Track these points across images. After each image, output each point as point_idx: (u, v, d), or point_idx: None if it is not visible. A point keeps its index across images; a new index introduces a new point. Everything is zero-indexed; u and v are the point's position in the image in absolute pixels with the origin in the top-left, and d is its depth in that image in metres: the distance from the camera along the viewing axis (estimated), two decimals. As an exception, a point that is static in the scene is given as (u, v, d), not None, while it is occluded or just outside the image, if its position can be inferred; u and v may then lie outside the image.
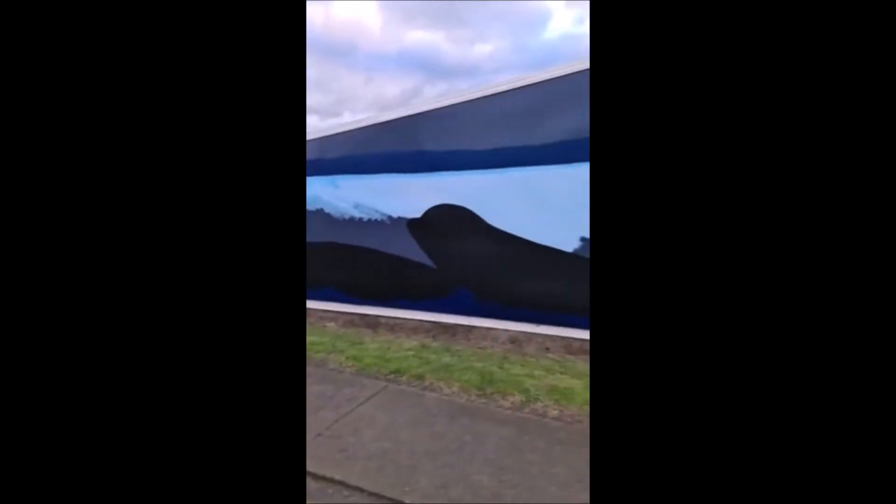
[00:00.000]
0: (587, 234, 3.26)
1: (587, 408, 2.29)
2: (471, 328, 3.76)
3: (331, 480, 1.70)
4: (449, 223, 3.88)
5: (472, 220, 3.77)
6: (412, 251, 4.07)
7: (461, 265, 3.84)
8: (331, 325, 4.39)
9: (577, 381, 2.68)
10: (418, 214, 4.03)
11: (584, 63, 3.25)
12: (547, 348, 3.36)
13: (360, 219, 4.41)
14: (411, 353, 3.35)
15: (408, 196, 4.08)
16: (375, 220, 4.32)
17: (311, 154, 4.77)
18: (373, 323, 4.28)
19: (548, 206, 3.40)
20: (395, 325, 4.12)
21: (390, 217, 4.21)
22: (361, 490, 1.64)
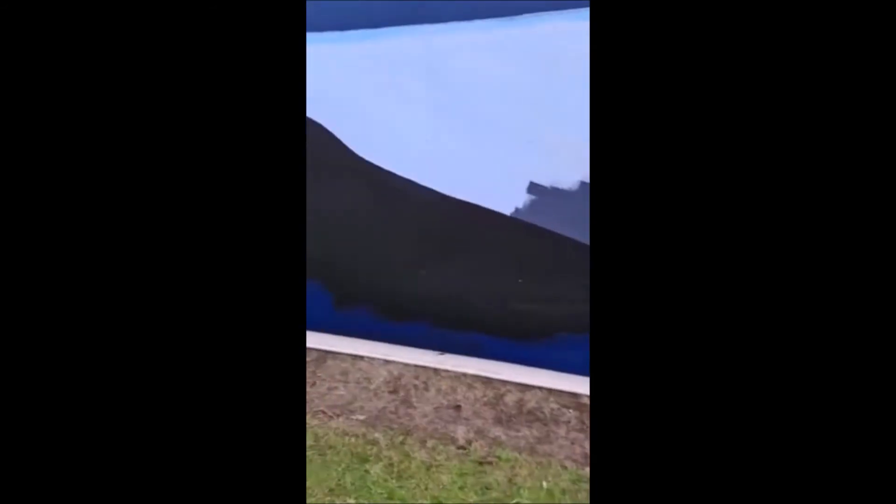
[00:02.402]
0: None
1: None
2: (321, 358, 2.19)
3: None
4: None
5: (325, 146, 2.11)
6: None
7: (310, 241, 1.94)
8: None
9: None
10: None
11: None
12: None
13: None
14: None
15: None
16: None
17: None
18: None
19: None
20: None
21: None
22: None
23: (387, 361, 2.24)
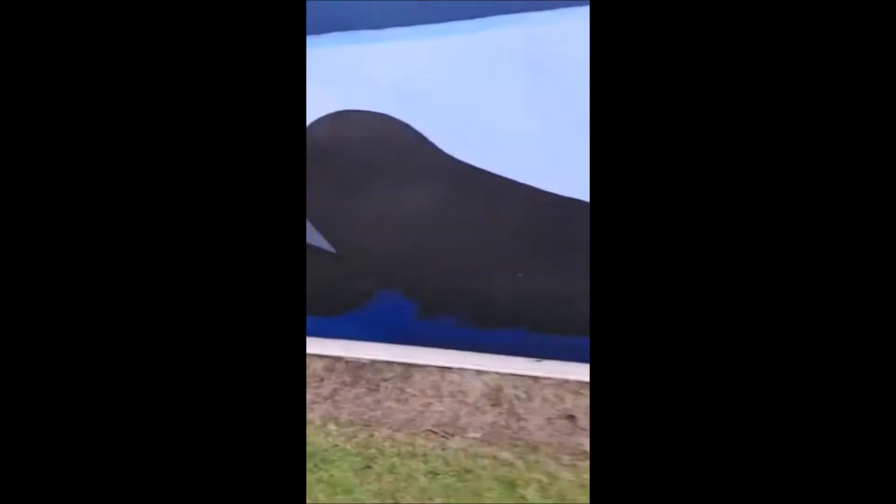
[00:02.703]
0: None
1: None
2: (406, 372, 2.08)
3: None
4: (364, 155, 1.94)
5: (411, 145, 1.94)
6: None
7: (390, 247, 2.03)
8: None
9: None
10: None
11: None
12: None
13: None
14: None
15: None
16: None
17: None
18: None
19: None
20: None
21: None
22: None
23: (479, 372, 2.12)
